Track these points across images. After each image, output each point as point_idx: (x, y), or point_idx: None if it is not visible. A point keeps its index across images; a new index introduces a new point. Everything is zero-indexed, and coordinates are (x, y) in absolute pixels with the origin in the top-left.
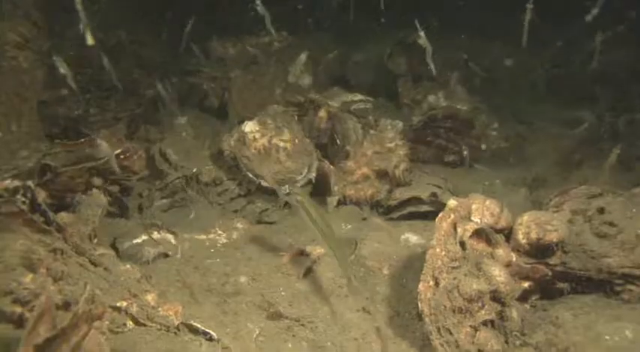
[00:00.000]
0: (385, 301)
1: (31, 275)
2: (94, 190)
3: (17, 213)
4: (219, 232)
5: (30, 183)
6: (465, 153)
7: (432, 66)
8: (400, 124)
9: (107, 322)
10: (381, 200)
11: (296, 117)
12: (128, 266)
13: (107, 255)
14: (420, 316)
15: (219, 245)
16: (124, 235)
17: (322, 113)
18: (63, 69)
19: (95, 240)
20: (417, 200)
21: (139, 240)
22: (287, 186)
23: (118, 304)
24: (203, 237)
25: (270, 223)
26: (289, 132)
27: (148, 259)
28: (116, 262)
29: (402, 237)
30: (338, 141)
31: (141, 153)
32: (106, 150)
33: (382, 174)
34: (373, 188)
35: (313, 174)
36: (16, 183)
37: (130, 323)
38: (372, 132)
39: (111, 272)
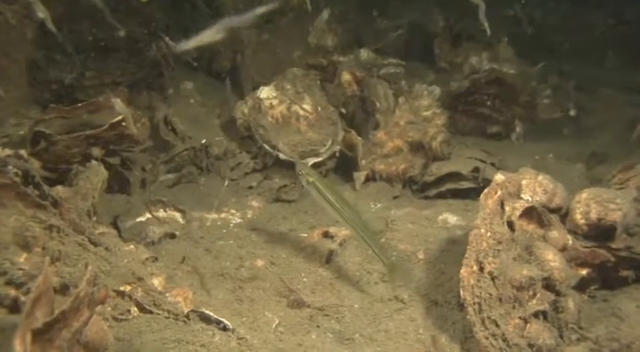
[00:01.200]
0: (421, 289)
1: (25, 255)
2: (93, 162)
3: (9, 185)
4: (232, 211)
5: (22, 152)
6: (518, 129)
7: (485, 25)
8: (437, 90)
9: (109, 308)
10: (415, 176)
11: (318, 82)
12: (132, 246)
13: (108, 234)
14: (461, 306)
15: (232, 225)
16: (126, 213)
17: (347, 77)
18: (41, 12)
19: (94, 218)
20: (456, 176)
21: (142, 219)
22: (297, 165)
23: (122, 288)
24: (214, 216)
25: (290, 201)
26: (311, 99)
27: (153, 239)
28: (118, 242)
29: (440, 217)
30: (366, 110)
31: (144, 122)
32: (121, 109)
33: (417, 147)
34: (406, 162)
35: (338, 147)
36: (7, 151)
37: (134, 310)
38: (404, 99)
39: (113, 253)
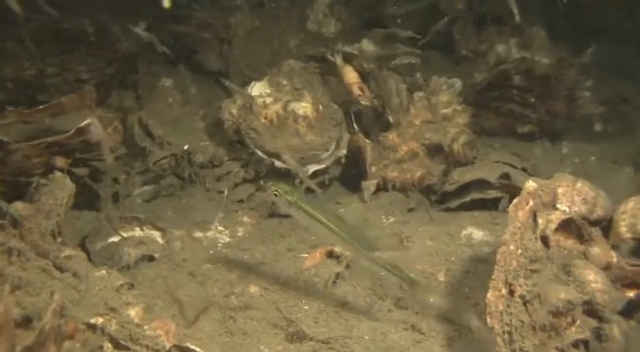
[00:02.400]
0: (442, 316)
1: None
2: (57, 173)
3: None
4: (220, 228)
5: None
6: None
7: (513, 6)
8: (458, 84)
9: (78, 344)
10: (433, 184)
11: (319, 76)
12: (104, 271)
13: (76, 258)
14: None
15: (220, 245)
16: (97, 232)
17: (353, 71)
18: None
19: (60, 239)
20: (482, 183)
21: (115, 239)
22: (270, 185)
23: (93, 320)
24: (199, 234)
25: (287, 216)
26: (310, 96)
27: (129, 263)
28: (88, 266)
29: (463, 232)
30: (375, 108)
31: (116, 126)
32: (97, 134)
33: (435, 150)
34: (423, 168)
35: (343, 151)
36: None
37: (108, 346)
38: (420, 94)
39: (82, 279)
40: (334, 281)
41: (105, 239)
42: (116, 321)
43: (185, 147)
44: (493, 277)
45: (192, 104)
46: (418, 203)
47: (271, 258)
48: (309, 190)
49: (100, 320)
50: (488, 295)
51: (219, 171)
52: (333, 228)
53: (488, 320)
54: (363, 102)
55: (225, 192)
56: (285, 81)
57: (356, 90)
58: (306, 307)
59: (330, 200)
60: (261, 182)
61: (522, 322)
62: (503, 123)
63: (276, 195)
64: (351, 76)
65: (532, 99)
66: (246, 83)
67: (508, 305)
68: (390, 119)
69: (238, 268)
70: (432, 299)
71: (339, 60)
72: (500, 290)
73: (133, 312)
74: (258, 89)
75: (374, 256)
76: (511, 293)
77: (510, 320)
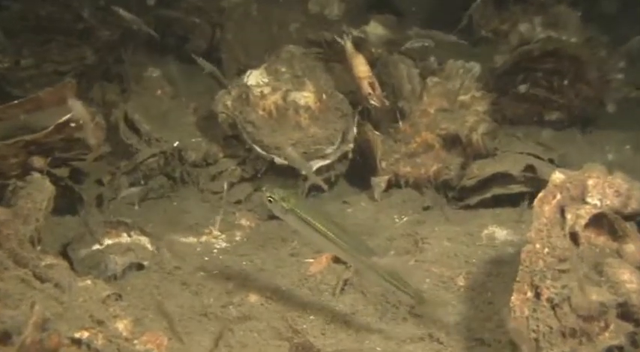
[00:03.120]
0: (462, 324)
1: None
2: (35, 175)
3: None
4: (216, 233)
5: None
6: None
7: None
8: (477, 67)
9: None
10: (451, 179)
11: (322, 63)
12: (88, 281)
13: (58, 267)
14: (514, 344)
15: (216, 250)
16: (80, 239)
17: (364, 62)
18: None
19: (39, 246)
20: (504, 177)
21: (100, 246)
22: (264, 189)
23: (77, 335)
24: (192, 239)
25: None
26: (313, 84)
27: (115, 272)
28: (71, 276)
29: (485, 231)
30: (385, 96)
31: (99, 122)
32: (80, 113)
33: (452, 141)
34: (439, 162)
35: (350, 145)
36: None
37: None
38: (435, 80)
39: (64, 290)
40: (342, 289)
41: (89, 246)
42: (103, 335)
43: (175, 144)
44: (517, 279)
45: (182, 96)
46: (434, 200)
47: (272, 264)
48: (314, 187)
49: (85, 334)
50: (513, 298)
51: (213, 170)
52: (333, 238)
53: (513, 325)
54: (372, 102)
55: (225, 186)
56: (284, 68)
57: (366, 88)
58: (312, 317)
59: (337, 199)
60: (263, 189)
61: (550, 328)
62: (528, 109)
63: (270, 201)
64: (361, 68)
65: (559, 83)
66: (241, 72)
67: (534, 310)
68: (402, 108)
69: (236, 276)
70: (450, 306)
71: (349, 46)
72: (525, 293)
73: (122, 325)
74: (254, 78)
75: (379, 269)
76: (537, 296)
77: (537, 326)
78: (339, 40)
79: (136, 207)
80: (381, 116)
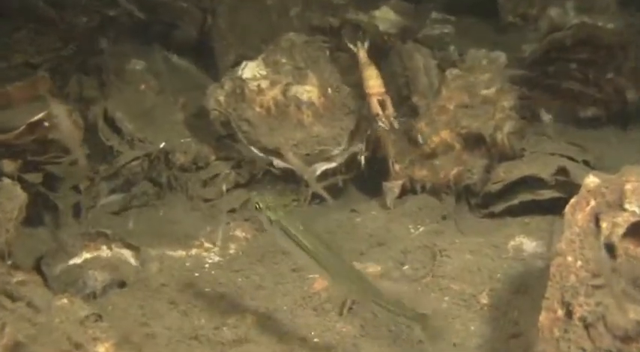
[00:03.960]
0: (484, 347)
1: None
2: (5, 180)
3: None
4: (208, 245)
5: None
6: None
7: None
8: (503, 57)
9: None
10: (473, 184)
11: (327, 53)
12: (65, 300)
13: (31, 283)
14: None
15: (207, 265)
16: (55, 252)
17: (377, 75)
18: None
19: (10, 260)
20: (533, 181)
21: (77, 260)
22: (254, 195)
23: None
24: (181, 253)
25: None
26: (316, 77)
27: (95, 290)
28: (46, 294)
29: (511, 243)
30: (399, 90)
31: (76, 120)
32: (61, 118)
33: (474, 141)
34: (460, 164)
35: (360, 146)
36: None
37: None
38: (455, 72)
39: (39, 309)
40: (351, 308)
41: (65, 260)
42: None
43: (161, 146)
44: (547, 295)
45: (169, 91)
46: (454, 208)
47: (272, 280)
48: (317, 197)
49: None
50: (541, 318)
51: (204, 175)
52: (318, 257)
53: (541, 348)
54: (380, 124)
55: (224, 188)
56: (284, 59)
57: (375, 107)
58: (316, 339)
59: (344, 207)
60: (254, 193)
61: (583, 350)
62: (560, 105)
63: (256, 208)
64: (372, 83)
65: (596, 75)
66: (236, 63)
67: (566, 330)
68: (417, 104)
69: (231, 294)
70: (472, 327)
71: (362, 54)
72: (555, 312)
73: (102, 349)
74: (251, 70)
75: (373, 293)
76: (569, 314)
77: (569, 348)
78: (351, 46)
79: (118, 217)
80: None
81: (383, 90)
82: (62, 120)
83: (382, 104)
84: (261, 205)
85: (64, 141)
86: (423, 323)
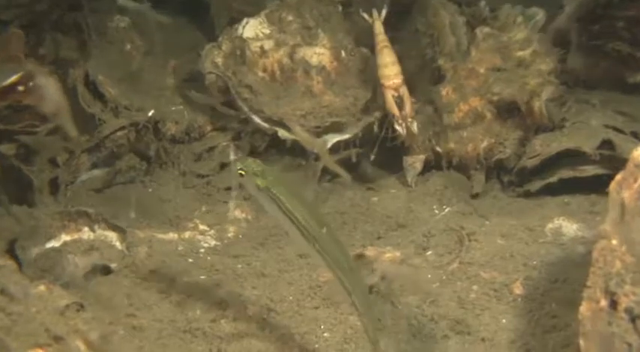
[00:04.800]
0: (518, 343)
1: None
2: None
3: None
4: (203, 227)
5: None
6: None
7: None
8: (540, 15)
9: None
10: (506, 159)
11: (340, 8)
12: (42, 287)
13: (3, 269)
14: None
15: (202, 250)
16: (30, 234)
17: (394, 59)
18: None
19: None
20: (575, 156)
21: (56, 243)
22: (236, 160)
23: None
24: (173, 236)
25: None
26: (328, 38)
27: (75, 276)
28: (21, 281)
29: (549, 226)
30: (422, 51)
31: (53, 83)
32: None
33: (508, 110)
34: (491, 136)
35: (376, 115)
36: None
37: None
38: (486, 31)
39: (13, 298)
40: None
41: (42, 243)
42: None
43: (150, 114)
44: (588, 284)
45: (158, 52)
46: (484, 186)
47: (276, 267)
48: (328, 173)
49: None
50: (582, 309)
51: (198, 147)
52: (309, 230)
53: (580, 342)
54: (396, 128)
55: (232, 155)
56: (291, 16)
57: (390, 105)
58: (326, 334)
59: (360, 185)
60: (236, 159)
61: (629, 345)
62: (607, 69)
63: (241, 174)
64: (387, 72)
65: None
66: (235, 20)
67: (609, 323)
68: (443, 67)
69: (229, 281)
70: (504, 320)
71: (378, 26)
72: (598, 302)
73: (84, 343)
74: (252, 28)
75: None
76: (614, 305)
77: (613, 343)
78: (365, 16)
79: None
80: (416, 76)
81: (399, 81)
82: (46, 84)
83: (399, 99)
84: (246, 170)
85: (50, 109)
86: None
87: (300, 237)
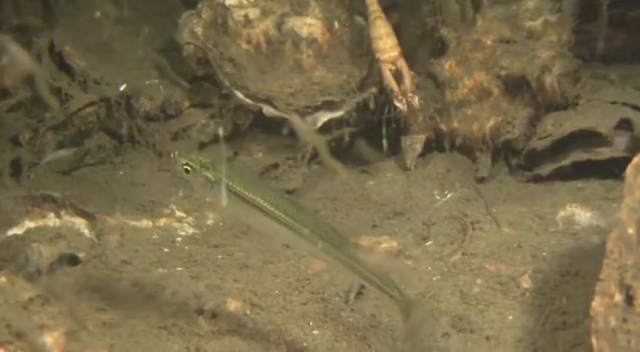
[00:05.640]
0: (525, 341)
1: None
2: None
3: None
4: (180, 214)
5: None
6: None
7: None
8: None
9: None
10: (514, 139)
11: None
12: (3, 278)
13: None
14: None
15: (180, 238)
16: None
17: (388, 31)
18: None
19: None
20: (590, 137)
21: (18, 231)
22: (176, 154)
23: None
24: (147, 223)
25: (287, 192)
26: (320, 8)
27: (40, 266)
28: None
29: (561, 213)
30: (422, 22)
31: (18, 50)
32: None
33: (517, 86)
34: (498, 114)
35: (372, 91)
36: None
37: None
38: None
39: None
40: (359, 293)
41: (3, 230)
42: None
43: (122, 88)
44: (601, 276)
45: (131, 20)
46: (490, 169)
47: (260, 257)
48: (314, 156)
49: None
50: (594, 304)
51: (175, 125)
52: (289, 220)
53: (593, 341)
54: (396, 105)
55: (221, 132)
56: None
57: (388, 79)
58: (315, 331)
59: (353, 168)
60: (175, 153)
61: None
62: (625, 41)
63: (188, 170)
64: (382, 44)
65: None
66: None
67: (624, 319)
68: (445, 38)
69: (209, 273)
70: (510, 317)
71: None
72: (612, 297)
73: (51, 339)
74: None
75: (360, 261)
76: (629, 300)
77: (628, 342)
78: None
79: (68, 177)
80: (417, 47)
81: (396, 53)
82: (15, 52)
83: (397, 74)
84: (193, 165)
85: (11, 82)
86: (406, 309)
87: (263, 222)
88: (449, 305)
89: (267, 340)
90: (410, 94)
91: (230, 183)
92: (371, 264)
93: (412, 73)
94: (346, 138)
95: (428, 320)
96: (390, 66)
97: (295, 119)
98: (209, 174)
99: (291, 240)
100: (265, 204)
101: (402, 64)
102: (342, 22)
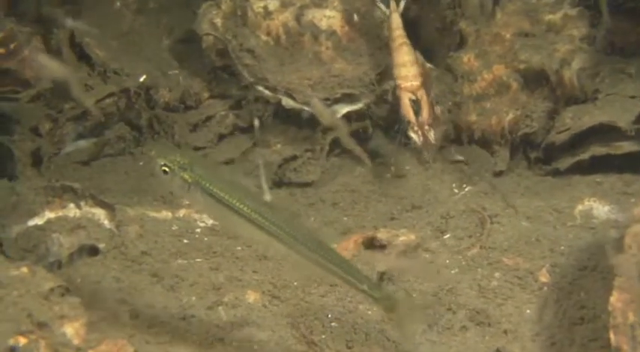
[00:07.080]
0: (543, 335)
1: None
2: None
3: None
4: None
5: None
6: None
7: None
8: None
9: None
10: (533, 133)
11: None
12: (24, 269)
13: None
14: None
15: (199, 230)
16: (10, 211)
17: (412, 58)
18: None
19: None
20: (609, 131)
21: (39, 221)
22: (153, 153)
23: (12, 342)
24: (166, 214)
25: (304, 185)
26: (339, 1)
27: (60, 257)
28: (1, 262)
29: (579, 207)
30: (441, 14)
31: (36, 45)
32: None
33: (536, 79)
34: (517, 108)
35: (392, 83)
36: None
37: None
38: None
39: None
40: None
41: (24, 221)
42: (46, 343)
43: (142, 79)
44: (620, 272)
45: (151, 10)
46: (509, 163)
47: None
48: (338, 147)
49: (22, 342)
50: (613, 299)
51: (194, 116)
52: (268, 224)
53: (611, 336)
54: (411, 135)
55: (256, 123)
56: None
57: (406, 109)
58: (333, 324)
59: (372, 161)
60: (153, 153)
61: None
62: None
63: (165, 171)
64: (405, 71)
65: None
66: None
67: None
68: (464, 31)
69: (228, 265)
70: (528, 311)
71: (395, 19)
72: (630, 293)
73: (71, 330)
74: None
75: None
76: None
77: None
78: (381, 6)
79: (87, 167)
80: (435, 41)
81: (418, 83)
82: (45, 62)
83: (416, 104)
84: (171, 165)
85: (34, 73)
86: (387, 303)
87: (240, 224)
88: (467, 298)
89: (285, 332)
90: (426, 127)
91: (207, 185)
92: (347, 262)
93: (432, 101)
94: (369, 131)
95: (416, 313)
96: (410, 95)
97: (316, 103)
98: (185, 175)
99: (265, 241)
100: (241, 206)
101: (422, 94)
102: (362, 14)
